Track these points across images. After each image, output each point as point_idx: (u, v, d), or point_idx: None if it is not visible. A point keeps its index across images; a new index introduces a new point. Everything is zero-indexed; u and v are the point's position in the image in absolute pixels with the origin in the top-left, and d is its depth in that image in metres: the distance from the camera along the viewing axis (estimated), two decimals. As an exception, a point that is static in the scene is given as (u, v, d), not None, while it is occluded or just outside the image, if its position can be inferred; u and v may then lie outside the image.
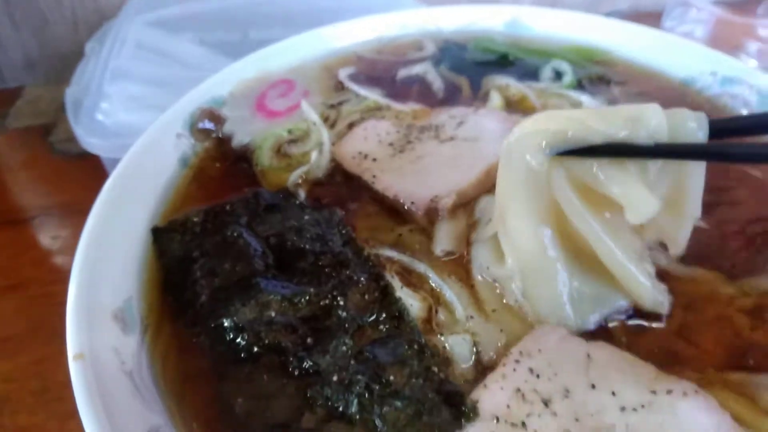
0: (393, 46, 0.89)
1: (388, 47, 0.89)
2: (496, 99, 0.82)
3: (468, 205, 0.66)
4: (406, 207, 0.65)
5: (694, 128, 0.49)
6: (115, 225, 0.58)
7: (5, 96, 1.32)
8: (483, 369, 0.52)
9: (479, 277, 0.59)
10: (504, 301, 0.57)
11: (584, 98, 0.79)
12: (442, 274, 0.59)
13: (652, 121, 0.49)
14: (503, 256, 0.57)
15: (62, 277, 0.92)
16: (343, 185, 0.70)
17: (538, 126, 0.52)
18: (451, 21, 0.92)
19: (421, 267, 0.59)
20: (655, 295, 0.54)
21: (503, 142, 0.53)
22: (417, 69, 0.85)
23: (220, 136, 0.73)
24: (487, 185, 0.66)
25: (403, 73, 0.85)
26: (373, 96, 0.81)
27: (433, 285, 0.58)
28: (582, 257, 0.55)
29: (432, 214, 0.64)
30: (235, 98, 0.77)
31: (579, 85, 0.85)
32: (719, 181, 0.61)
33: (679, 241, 0.55)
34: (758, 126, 0.50)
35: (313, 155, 0.71)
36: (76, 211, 1.04)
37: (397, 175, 0.68)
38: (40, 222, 1.04)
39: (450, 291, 0.57)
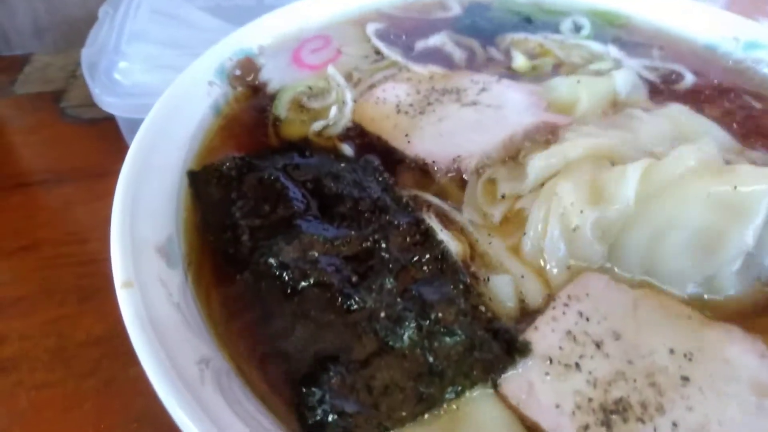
0: (420, 3, 0.89)
1: (415, 4, 0.88)
2: (519, 59, 0.81)
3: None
4: (424, 164, 0.65)
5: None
6: (152, 166, 0.57)
7: (13, 62, 1.30)
8: (527, 312, 0.51)
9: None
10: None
11: (610, 49, 0.80)
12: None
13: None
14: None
15: (75, 239, 0.93)
16: (361, 143, 0.69)
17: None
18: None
19: (459, 216, 0.59)
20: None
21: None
22: (433, 40, 0.84)
23: (257, 83, 0.72)
24: (511, 151, 0.66)
25: (420, 44, 0.84)
26: (394, 56, 0.80)
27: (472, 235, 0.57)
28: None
29: (454, 173, 0.64)
30: (271, 49, 0.77)
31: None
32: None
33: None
34: None
35: (332, 111, 0.70)
36: (88, 175, 1.04)
37: (418, 135, 0.68)
38: (52, 185, 1.03)
39: (485, 242, 0.56)
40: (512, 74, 0.80)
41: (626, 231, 0.54)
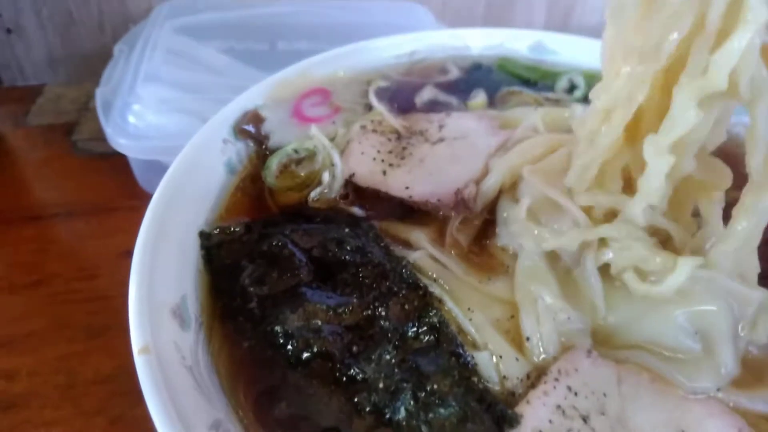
0: (421, 66, 0.93)
1: (417, 67, 0.93)
2: (480, 96, 0.88)
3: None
4: (432, 206, 0.69)
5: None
6: (169, 226, 0.60)
7: (27, 93, 1.33)
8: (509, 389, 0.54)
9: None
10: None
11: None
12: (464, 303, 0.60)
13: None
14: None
15: (85, 275, 0.96)
16: (360, 200, 0.72)
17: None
18: (480, 42, 0.96)
19: (436, 290, 0.61)
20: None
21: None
22: (426, 94, 0.88)
23: (260, 136, 0.76)
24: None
25: (417, 101, 0.88)
26: (381, 108, 0.83)
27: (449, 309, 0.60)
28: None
29: (460, 205, 0.68)
30: (273, 102, 0.80)
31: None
32: None
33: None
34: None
35: (325, 176, 0.73)
36: (98, 210, 1.08)
37: (412, 179, 0.73)
38: (63, 219, 1.06)
39: (464, 319, 0.58)
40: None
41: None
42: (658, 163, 0.50)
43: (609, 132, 0.54)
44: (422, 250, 0.64)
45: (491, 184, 0.69)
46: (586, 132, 0.56)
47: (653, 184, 0.51)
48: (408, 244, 0.66)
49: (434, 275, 0.62)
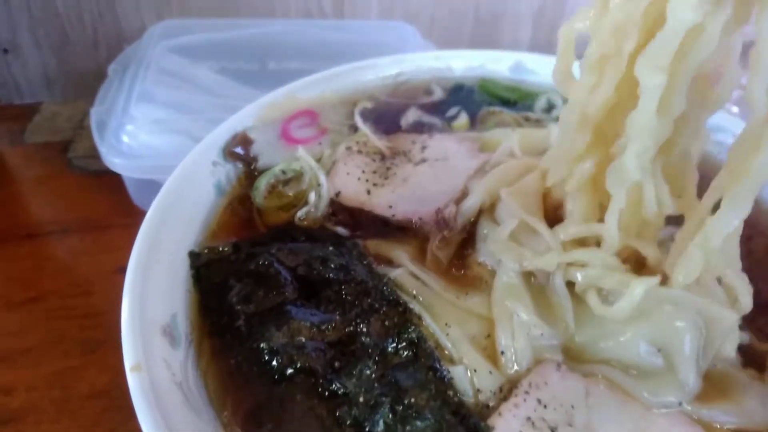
0: (406, 87, 0.96)
1: (402, 88, 0.96)
2: (462, 117, 0.92)
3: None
4: (414, 224, 0.72)
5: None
6: (161, 245, 0.63)
7: (23, 111, 1.36)
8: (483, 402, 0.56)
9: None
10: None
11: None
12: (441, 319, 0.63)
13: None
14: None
15: (81, 291, 0.99)
16: (345, 218, 0.75)
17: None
18: (462, 63, 1.00)
19: (416, 307, 0.63)
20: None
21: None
22: (410, 116, 0.92)
23: (249, 157, 0.79)
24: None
25: (403, 122, 0.91)
26: (366, 129, 0.86)
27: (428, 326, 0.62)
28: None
29: (441, 224, 0.71)
30: (261, 123, 0.83)
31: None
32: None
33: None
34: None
35: (312, 197, 0.76)
36: (95, 227, 1.11)
37: (395, 199, 0.76)
38: (59, 236, 1.08)
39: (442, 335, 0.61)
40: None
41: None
42: (651, 80, 0.47)
43: (601, 92, 0.53)
44: (403, 268, 0.67)
45: (471, 204, 0.72)
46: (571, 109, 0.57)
47: (644, 119, 0.49)
48: (390, 262, 0.69)
49: (414, 292, 0.65)
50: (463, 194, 0.74)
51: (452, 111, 0.93)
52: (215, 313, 0.61)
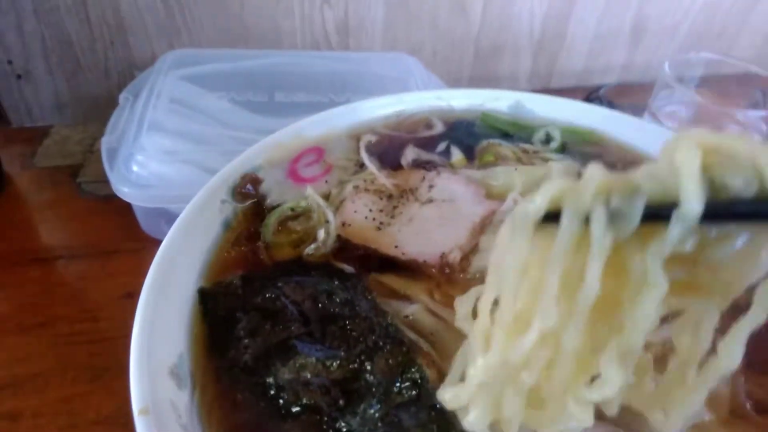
0: (409, 122, 0.99)
1: (405, 123, 0.98)
2: (456, 155, 0.94)
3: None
4: (419, 264, 0.74)
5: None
6: (170, 285, 0.64)
7: (34, 134, 1.38)
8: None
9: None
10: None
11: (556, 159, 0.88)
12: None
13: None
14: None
15: (90, 316, 1.01)
16: (353, 255, 0.77)
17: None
18: (463, 101, 1.03)
19: (424, 346, 0.65)
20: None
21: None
22: (409, 155, 0.94)
23: (257, 198, 0.81)
24: (474, 241, 0.76)
25: (403, 162, 0.93)
26: (372, 168, 0.88)
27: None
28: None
29: (445, 267, 0.73)
30: (270, 163, 0.85)
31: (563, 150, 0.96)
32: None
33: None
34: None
35: (320, 233, 0.78)
36: (101, 252, 1.13)
37: (401, 238, 0.78)
38: (68, 261, 1.10)
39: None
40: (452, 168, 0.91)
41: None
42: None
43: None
44: (419, 304, 0.69)
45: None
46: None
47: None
48: (404, 297, 0.71)
49: (429, 329, 0.67)
50: (469, 241, 0.75)
51: (448, 149, 0.95)
52: (222, 347, 0.63)
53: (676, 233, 0.39)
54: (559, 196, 0.42)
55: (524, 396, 0.49)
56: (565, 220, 0.41)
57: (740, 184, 0.38)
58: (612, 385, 0.44)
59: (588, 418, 0.47)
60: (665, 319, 0.47)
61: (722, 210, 0.40)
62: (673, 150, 0.40)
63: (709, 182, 0.39)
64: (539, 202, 0.43)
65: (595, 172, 0.41)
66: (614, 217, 0.40)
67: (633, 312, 0.43)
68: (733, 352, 0.44)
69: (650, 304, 0.42)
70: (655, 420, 0.51)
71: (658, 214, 0.40)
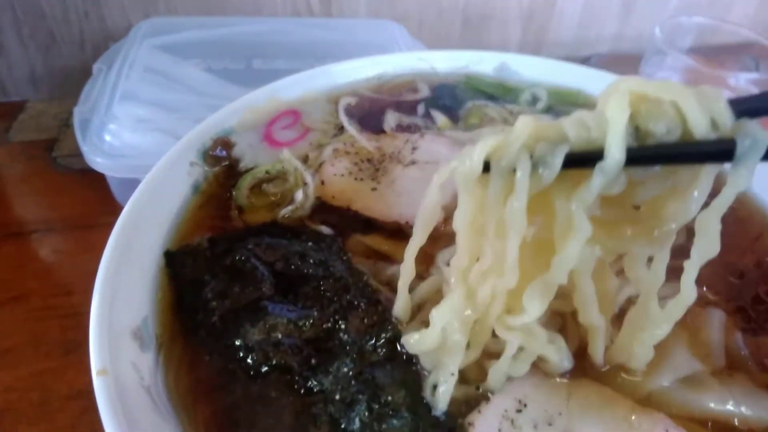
0: (391, 85, 0.95)
1: (387, 86, 0.95)
2: (440, 118, 0.91)
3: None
4: (400, 226, 0.71)
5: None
6: (133, 248, 0.61)
7: (8, 109, 1.35)
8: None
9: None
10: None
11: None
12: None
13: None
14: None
15: (63, 291, 0.98)
16: (332, 218, 0.74)
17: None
18: (446, 63, 0.99)
19: None
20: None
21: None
22: (390, 119, 0.90)
23: (230, 161, 0.78)
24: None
25: (385, 127, 0.90)
26: (352, 131, 0.85)
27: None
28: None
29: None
30: (243, 126, 0.82)
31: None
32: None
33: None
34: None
35: (298, 195, 0.75)
36: (78, 226, 1.09)
37: (382, 200, 0.75)
38: (42, 235, 1.07)
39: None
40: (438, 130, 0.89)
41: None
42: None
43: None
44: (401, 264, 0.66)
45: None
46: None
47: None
48: (385, 258, 0.68)
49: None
50: (451, 201, 0.72)
51: (428, 112, 0.92)
52: (189, 310, 0.60)
53: (598, 183, 0.44)
54: (491, 152, 0.48)
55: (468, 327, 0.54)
56: (493, 173, 0.48)
57: (663, 130, 0.42)
58: (530, 315, 0.51)
59: (515, 340, 0.53)
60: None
61: (645, 155, 0.44)
62: (607, 97, 0.44)
63: (635, 130, 0.43)
64: (476, 161, 0.48)
65: (523, 125, 0.46)
66: (539, 165, 0.46)
67: (559, 253, 0.47)
68: (689, 283, 0.48)
69: (574, 246, 0.46)
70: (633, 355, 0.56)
71: (584, 160, 0.44)
